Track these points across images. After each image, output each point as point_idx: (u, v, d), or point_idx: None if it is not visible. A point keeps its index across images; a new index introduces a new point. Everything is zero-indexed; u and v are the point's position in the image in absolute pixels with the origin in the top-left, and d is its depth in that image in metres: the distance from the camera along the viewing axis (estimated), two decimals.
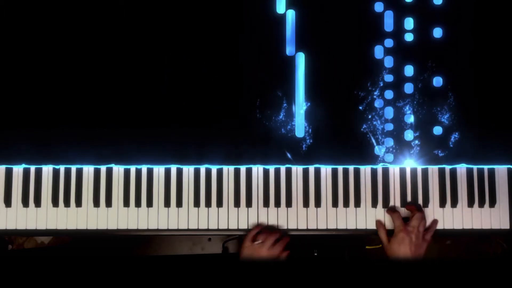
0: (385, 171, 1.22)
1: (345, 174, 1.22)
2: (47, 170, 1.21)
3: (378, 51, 1.21)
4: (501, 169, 1.22)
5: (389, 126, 1.20)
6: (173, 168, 1.21)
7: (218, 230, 1.21)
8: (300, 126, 1.20)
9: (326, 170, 1.22)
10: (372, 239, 1.35)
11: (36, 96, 1.19)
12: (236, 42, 1.21)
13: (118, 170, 1.21)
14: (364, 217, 1.21)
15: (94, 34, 1.20)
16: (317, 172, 1.21)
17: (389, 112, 1.20)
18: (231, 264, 1.33)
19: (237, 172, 1.21)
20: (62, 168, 1.21)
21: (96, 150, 1.19)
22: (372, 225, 1.21)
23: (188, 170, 1.22)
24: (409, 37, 1.21)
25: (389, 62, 1.21)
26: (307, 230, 1.21)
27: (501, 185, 1.22)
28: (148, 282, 1.24)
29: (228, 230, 1.21)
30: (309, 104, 1.20)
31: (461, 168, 1.22)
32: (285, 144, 1.19)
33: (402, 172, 1.22)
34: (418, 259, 1.11)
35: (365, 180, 1.22)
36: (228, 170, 1.21)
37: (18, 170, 1.21)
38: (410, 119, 1.20)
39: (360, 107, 1.20)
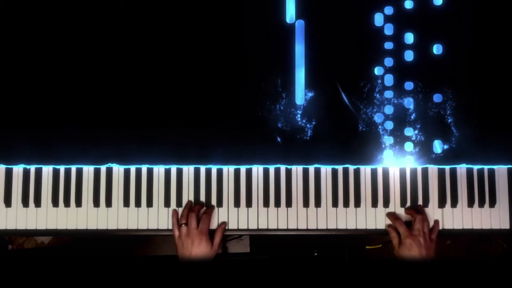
0: (385, 171, 1.22)
1: (345, 174, 1.22)
2: (47, 170, 1.21)
3: (378, 19, 1.21)
4: (501, 169, 1.22)
5: (389, 94, 1.20)
6: (173, 168, 1.21)
7: None
8: (300, 94, 1.19)
9: (326, 170, 1.22)
10: (372, 239, 1.36)
11: (36, 96, 1.19)
12: (237, 32, 1.21)
13: (118, 170, 1.21)
14: (364, 217, 1.21)
15: (94, 34, 1.20)
16: (317, 172, 1.21)
17: (389, 79, 1.20)
18: (230, 264, 1.33)
19: (237, 172, 1.21)
20: (62, 168, 1.21)
21: (96, 150, 1.19)
22: (372, 225, 1.21)
23: (188, 170, 1.22)
24: (409, 5, 1.21)
25: (389, 29, 1.21)
26: (307, 230, 1.21)
27: (501, 185, 1.22)
28: (148, 282, 1.24)
29: (228, 230, 1.21)
30: (308, 70, 1.20)
31: (461, 168, 1.22)
32: (284, 113, 1.19)
33: (402, 172, 1.22)
34: (420, 259, 1.11)
35: (365, 180, 1.22)
36: (228, 170, 1.21)
37: (18, 170, 1.21)
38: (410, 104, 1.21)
39: (360, 74, 1.20)
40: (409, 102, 1.20)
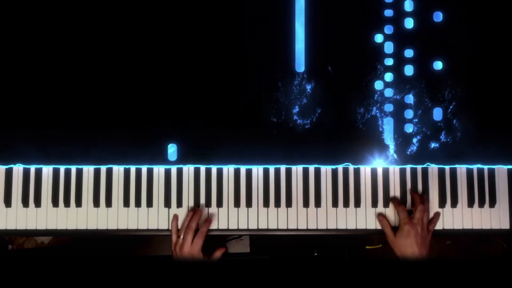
0: (385, 171, 1.22)
1: (345, 174, 1.22)
2: (47, 170, 1.21)
3: None
4: (501, 169, 1.22)
5: (389, 61, 1.20)
6: (173, 168, 1.21)
7: (218, 230, 1.21)
8: (300, 60, 1.20)
9: (326, 170, 1.22)
10: (372, 239, 1.35)
11: (36, 96, 1.19)
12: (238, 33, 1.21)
13: (118, 170, 1.21)
14: (364, 217, 1.21)
15: (94, 35, 1.20)
16: (317, 172, 1.21)
17: (389, 47, 1.20)
18: (230, 264, 1.33)
19: (237, 172, 1.21)
20: (62, 168, 1.21)
21: (96, 150, 1.19)
22: (372, 225, 1.21)
23: (188, 170, 1.22)
24: None
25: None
26: (307, 230, 1.21)
27: (501, 185, 1.22)
28: (148, 282, 1.24)
29: (228, 230, 1.21)
30: (309, 36, 1.20)
31: (461, 168, 1.22)
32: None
33: (402, 172, 1.22)
34: (421, 255, 1.11)
35: (365, 180, 1.22)
36: (228, 170, 1.21)
37: (18, 170, 1.21)
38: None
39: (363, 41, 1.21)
40: (409, 70, 1.20)
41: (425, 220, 1.15)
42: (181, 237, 1.14)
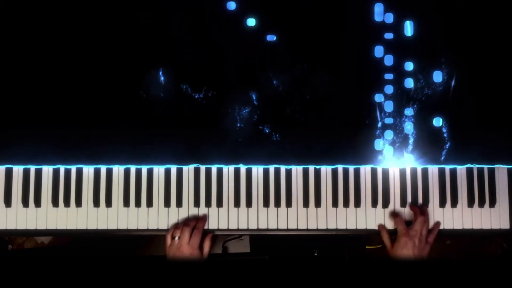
0: (385, 171, 1.22)
1: (345, 174, 1.22)
2: (47, 170, 1.21)
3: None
4: (501, 169, 1.22)
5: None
6: (173, 168, 1.21)
7: (218, 230, 1.21)
8: None
9: (326, 170, 1.22)
10: (372, 239, 1.36)
11: (37, 96, 1.19)
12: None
13: (118, 170, 1.21)
14: (364, 217, 1.21)
15: (94, 35, 1.20)
16: (317, 172, 1.21)
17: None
18: (230, 264, 1.33)
19: (237, 172, 1.21)
20: (62, 168, 1.21)
21: (96, 150, 1.19)
22: (372, 225, 1.21)
23: (188, 170, 1.22)
24: None
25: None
26: (307, 230, 1.21)
27: (501, 185, 1.22)
28: (149, 282, 1.24)
29: (228, 230, 1.21)
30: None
31: (461, 168, 1.22)
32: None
33: (402, 172, 1.22)
34: (418, 259, 1.11)
35: (365, 180, 1.22)
36: (228, 170, 1.21)
37: (18, 170, 1.21)
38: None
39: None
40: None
41: (424, 232, 1.14)
42: (177, 237, 1.14)
